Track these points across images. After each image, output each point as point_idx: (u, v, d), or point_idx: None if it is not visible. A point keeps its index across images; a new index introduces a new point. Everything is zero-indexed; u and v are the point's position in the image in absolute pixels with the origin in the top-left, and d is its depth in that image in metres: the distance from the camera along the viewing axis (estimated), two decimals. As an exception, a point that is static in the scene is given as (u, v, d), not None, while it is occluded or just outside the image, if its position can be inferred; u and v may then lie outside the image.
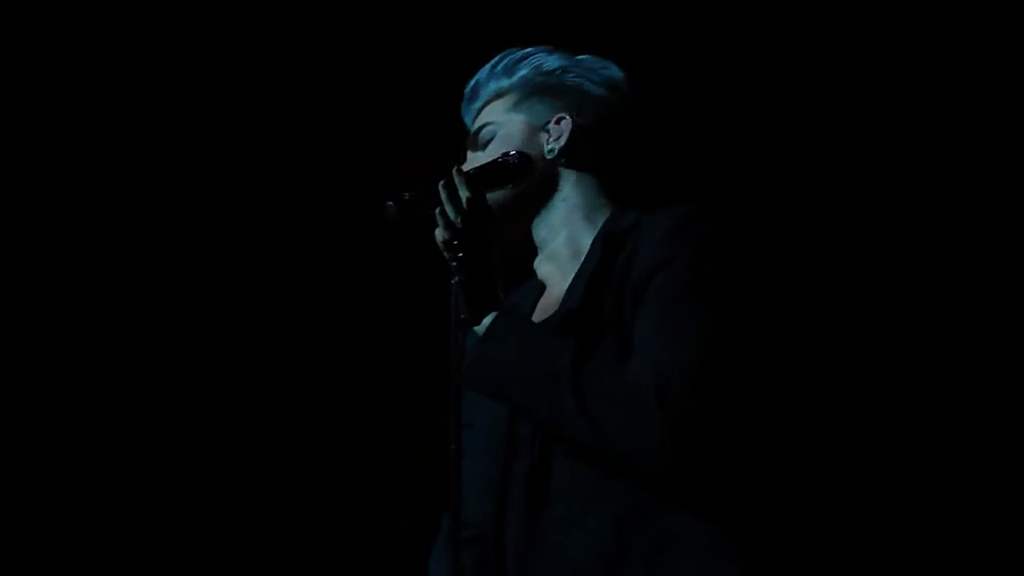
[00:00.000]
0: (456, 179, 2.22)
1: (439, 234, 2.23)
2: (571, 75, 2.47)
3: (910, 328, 3.55)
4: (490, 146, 2.46)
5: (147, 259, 3.87)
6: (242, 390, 3.86)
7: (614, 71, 2.50)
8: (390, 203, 2.24)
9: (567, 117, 2.44)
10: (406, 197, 2.24)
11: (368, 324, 3.84)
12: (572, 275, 2.38)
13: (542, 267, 2.47)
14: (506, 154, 2.39)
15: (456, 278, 2.24)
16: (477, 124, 2.50)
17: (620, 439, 2.14)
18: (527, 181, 2.41)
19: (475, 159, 2.48)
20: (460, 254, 2.21)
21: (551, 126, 2.45)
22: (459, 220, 2.20)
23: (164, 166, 3.88)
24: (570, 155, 2.44)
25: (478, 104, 2.52)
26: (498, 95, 2.50)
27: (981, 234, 3.52)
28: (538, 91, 2.47)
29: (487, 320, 2.24)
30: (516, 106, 2.47)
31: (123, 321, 3.86)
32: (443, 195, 2.21)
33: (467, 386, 2.25)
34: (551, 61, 2.49)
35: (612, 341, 2.22)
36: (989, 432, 3.47)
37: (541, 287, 2.48)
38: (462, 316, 2.25)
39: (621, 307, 2.25)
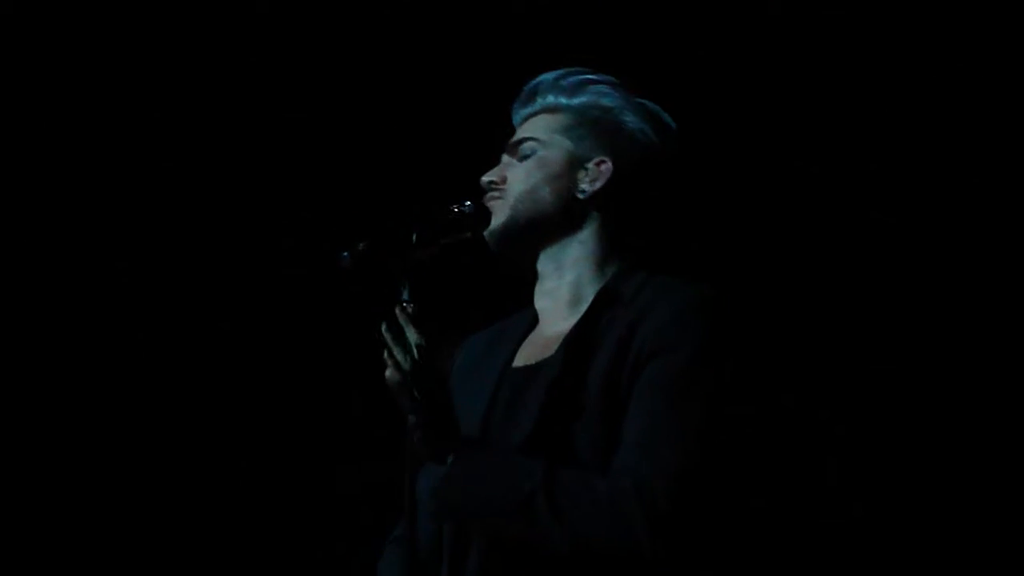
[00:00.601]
0: (401, 319, 2.18)
1: (389, 375, 2.19)
2: (628, 118, 2.42)
3: (910, 328, 3.51)
4: (526, 163, 2.42)
5: (146, 260, 3.86)
6: (241, 390, 3.86)
7: (669, 124, 2.44)
8: (344, 254, 2.22)
9: (608, 162, 2.40)
10: (360, 247, 2.21)
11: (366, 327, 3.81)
12: (569, 322, 2.35)
13: (540, 300, 2.44)
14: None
15: (412, 419, 2.20)
16: (523, 133, 2.45)
17: (601, 546, 2.14)
18: (550, 217, 2.38)
19: (509, 166, 2.44)
20: (415, 395, 2.18)
21: (591, 166, 2.41)
22: (409, 363, 2.17)
23: (167, 168, 3.85)
24: (600, 200, 2.40)
25: (531, 110, 2.47)
26: (553, 110, 2.45)
27: (981, 235, 3.48)
28: (590, 124, 2.42)
29: (450, 459, 2.21)
30: (565, 131, 2.42)
31: (122, 323, 3.86)
32: (388, 338, 2.17)
33: (436, 520, 2.24)
34: (613, 97, 2.43)
35: (599, 412, 2.21)
36: (989, 432, 3.44)
37: (534, 319, 2.44)
38: (421, 455, 2.22)
39: (615, 380, 2.23)
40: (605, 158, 2.40)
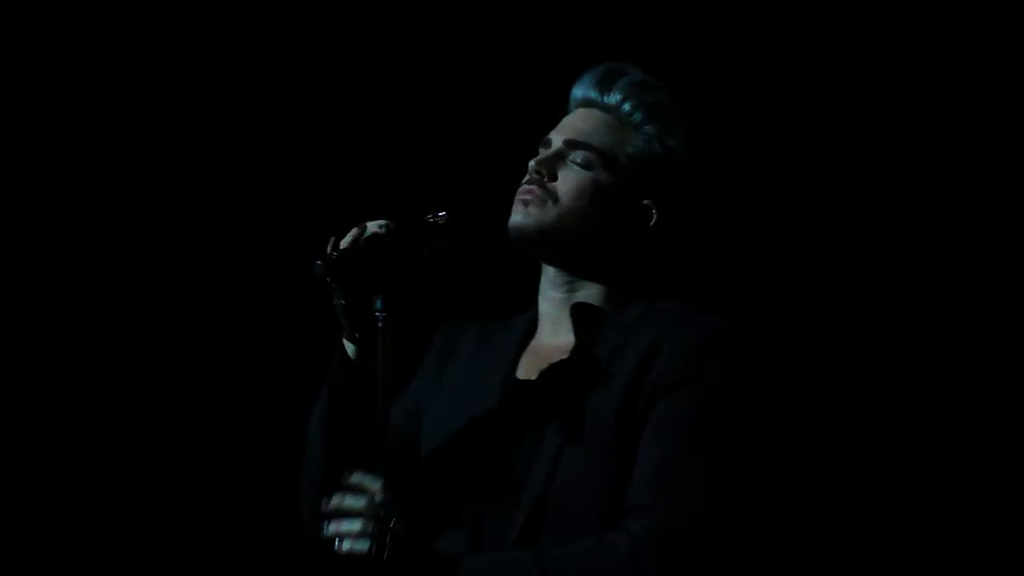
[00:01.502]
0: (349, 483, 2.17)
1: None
2: (687, 166, 2.37)
3: (909, 330, 3.49)
4: (581, 176, 2.35)
5: (143, 262, 3.87)
6: (239, 390, 3.86)
7: (722, 173, 2.42)
8: (318, 262, 2.21)
9: (656, 212, 2.36)
10: (333, 256, 2.20)
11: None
12: (568, 341, 2.31)
13: (544, 304, 2.40)
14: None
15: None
16: (587, 136, 2.37)
17: None
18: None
19: (562, 163, 2.36)
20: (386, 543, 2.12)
21: (638, 208, 2.36)
22: (372, 528, 2.13)
23: (167, 171, 3.86)
24: (634, 244, 2.37)
25: (603, 102, 2.39)
26: (625, 122, 2.38)
27: (983, 238, 3.47)
28: (653, 161, 2.36)
29: None
30: (629, 159, 2.36)
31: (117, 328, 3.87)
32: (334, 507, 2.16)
33: None
34: (679, 136, 2.37)
35: (610, 437, 2.20)
36: (989, 432, 3.43)
37: (531, 327, 2.41)
38: None
39: (630, 408, 2.21)
40: (653, 204, 2.36)
